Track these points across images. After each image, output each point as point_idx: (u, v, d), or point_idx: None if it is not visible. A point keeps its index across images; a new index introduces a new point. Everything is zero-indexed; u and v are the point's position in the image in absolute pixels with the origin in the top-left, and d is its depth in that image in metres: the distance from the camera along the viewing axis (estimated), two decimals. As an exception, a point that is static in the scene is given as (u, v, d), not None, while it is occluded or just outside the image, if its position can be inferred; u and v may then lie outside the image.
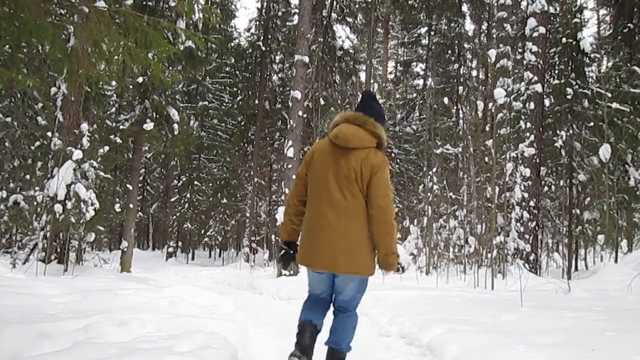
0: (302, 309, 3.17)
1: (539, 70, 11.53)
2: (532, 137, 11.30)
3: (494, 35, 16.75)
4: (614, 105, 10.31)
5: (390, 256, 2.99)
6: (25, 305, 4.69)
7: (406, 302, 6.39)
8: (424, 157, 17.11)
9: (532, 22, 11.62)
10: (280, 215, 12.98)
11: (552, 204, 13.76)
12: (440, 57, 23.39)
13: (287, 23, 24.01)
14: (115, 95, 18.04)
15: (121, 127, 15.57)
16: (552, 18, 13.74)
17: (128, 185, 15.34)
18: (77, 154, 9.74)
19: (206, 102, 24.97)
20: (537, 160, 11.42)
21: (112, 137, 14.71)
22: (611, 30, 14.77)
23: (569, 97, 11.49)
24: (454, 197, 13.76)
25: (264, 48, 23.06)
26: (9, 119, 13.18)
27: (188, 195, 24.91)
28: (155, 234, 39.62)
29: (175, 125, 14.67)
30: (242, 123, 25.78)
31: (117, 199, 16.87)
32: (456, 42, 22.96)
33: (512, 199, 11.46)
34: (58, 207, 9.45)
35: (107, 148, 11.34)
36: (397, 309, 5.71)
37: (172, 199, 25.49)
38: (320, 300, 3.19)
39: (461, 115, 19.66)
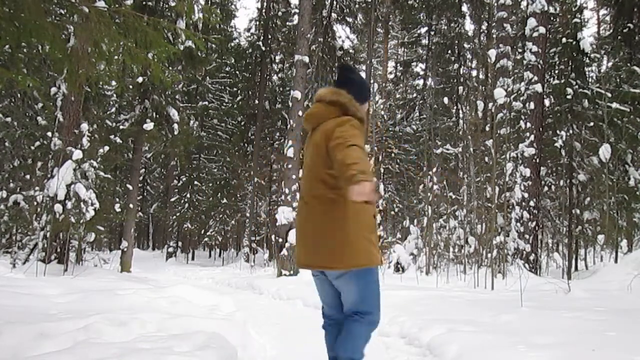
0: None
1: (539, 70, 11.53)
2: (532, 137, 11.30)
3: (494, 35, 16.75)
4: (614, 105, 10.30)
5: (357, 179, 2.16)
6: (25, 305, 4.69)
7: (406, 302, 6.38)
8: (424, 157, 17.12)
9: (532, 22, 11.63)
10: (280, 215, 12.97)
11: (552, 204, 13.76)
12: (440, 57, 23.41)
13: (287, 23, 24.04)
14: (115, 95, 18.04)
15: (121, 127, 15.60)
16: (552, 18, 13.75)
17: (128, 185, 15.34)
18: (77, 154, 9.74)
19: (206, 102, 24.98)
20: (537, 160, 11.42)
21: (112, 137, 14.73)
22: (611, 30, 14.76)
23: (569, 97, 11.48)
24: (454, 197, 13.76)
25: (264, 48, 23.07)
26: (9, 119, 13.18)
27: (188, 195, 24.91)
28: (155, 234, 39.61)
29: (175, 125, 14.69)
30: (242, 123, 25.81)
31: (117, 199, 16.87)
32: (456, 42, 22.98)
33: (512, 199, 11.45)
34: (58, 207, 9.45)
35: (107, 148, 11.35)
36: (397, 309, 5.71)
37: (172, 199, 25.49)
38: (324, 316, 2.83)
39: (461, 115, 19.68)
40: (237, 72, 25.93)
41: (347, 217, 2.46)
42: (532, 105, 11.41)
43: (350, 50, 21.72)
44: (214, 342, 3.40)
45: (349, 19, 21.26)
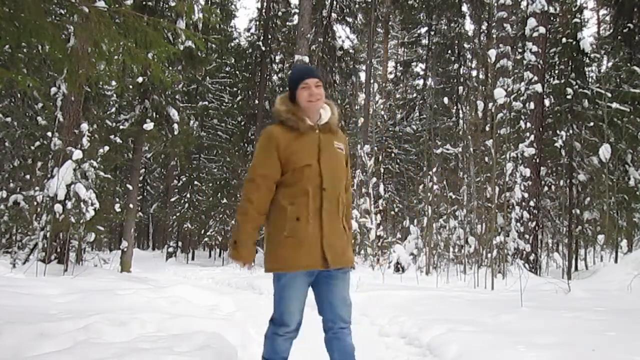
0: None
1: (539, 70, 11.53)
2: (532, 137, 11.30)
3: (494, 35, 16.76)
4: (614, 105, 10.30)
5: (231, 246, 2.61)
6: (25, 305, 4.69)
7: (406, 302, 6.38)
8: (424, 157, 17.12)
9: (532, 22, 11.63)
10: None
11: (552, 204, 13.76)
12: (440, 57, 23.41)
13: (287, 23, 24.05)
14: (115, 95, 18.04)
15: (121, 127, 15.58)
16: (552, 18, 13.75)
17: (128, 185, 15.33)
18: (77, 154, 9.74)
19: (206, 102, 24.97)
20: (537, 160, 11.41)
21: (112, 137, 14.72)
22: (611, 30, 14.76)
23: (569, 97, 11.48)
24: (454, 197, 13.76)
25: (264, 48, 23.08)
26: (9, 119, 13.18)
27: (188, 195, 24.90)
28: (155, 234, 39.60)
29: (175, 125, 14.68)
30: (242, 123, 25.80)
31: (117, 199, 16.87)
32: (456, 42, 22.99)
33: (512, 199, 11.45)
34: (58, 207, 9.45)
35: (107, 148, 11.34)
36: (397, 309, 5.71)
37: (172, 199, 25.48)
38: None
39: (461, 115, 19.67)
40: (237, 72, 25.92)
41: (269, 224, 2.59)
42: (532, 105, 11.41)
43: (350, 50, 21.71)
44: (214, 342, 3.40)
45: (349, 19, 21.27)
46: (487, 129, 14.61)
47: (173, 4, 13.38)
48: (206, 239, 25.44)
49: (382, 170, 21.08)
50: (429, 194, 12.99)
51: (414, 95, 26.92)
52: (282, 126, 2.57)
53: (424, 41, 25.33)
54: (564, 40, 12.01)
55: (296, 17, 18.47)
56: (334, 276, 2.60)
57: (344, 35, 22.14)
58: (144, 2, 13.30)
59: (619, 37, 12.95)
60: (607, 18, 21.40)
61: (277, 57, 25.27)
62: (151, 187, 35.78)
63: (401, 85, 28.33)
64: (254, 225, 2.53)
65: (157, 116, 14.35)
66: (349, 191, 2.74)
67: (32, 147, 13.14)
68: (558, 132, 11.70)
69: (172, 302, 5.21)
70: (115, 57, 4.35)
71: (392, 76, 30.55)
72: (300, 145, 2.52)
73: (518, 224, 11.13)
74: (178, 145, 15.71)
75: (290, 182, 2.52)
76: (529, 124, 11.40)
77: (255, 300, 8.38)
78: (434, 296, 6.86)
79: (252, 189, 2.53)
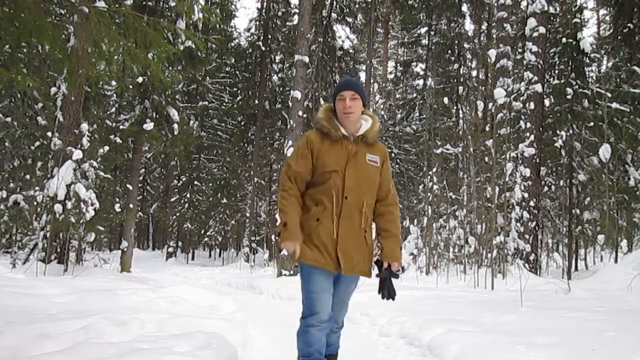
0: None
1: (539, 70, 11.53)
2: (532, 137, 11.30)
3: (494, 35, 16.75)
4: (614, 105, 10.30)
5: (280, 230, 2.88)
6: (25, 305, 4.69)
7: (406, 302, 6.38)
8: (424, 157, 17.10)
9: (532, 22, 11.63)
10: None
11: (552, 204, 13.76)
12: (440, 57, 23.37)
13: (287, 23, 24.04)
14: (115, 95, 18.05)
15: (121, 127, 15.59)
16: (552, 18, 13.74)
17: (128, 185, 15.34)
18: (77, 154, 9.74)
19: (206, 102, 24.99)
20: (537, 160, 11.41)
21: (112, 137, 14.72)
22: (611, 30, 14.77)
23: (569, 97, 11.48)
24: (454, 197, 13.76)
25: (264, 48, 23.08)
26: (9, 119, 13.19)
27: (188, 195, 24.92)
28: (155, 234, 39.61)
29: (175, 125, 14.69)
30: (242, 123, 25.82)
31: (117, 199, 16.88)
32: (456, 42, 22.94)
33: (512, 199, 11.45)
34: (58, 207, 9.45)
35: (107, 148, 11.35)
36: (397, 309, 5.71)
37: (172, 199, 25.49)
38: None
39: (461, 115, 19.65)
40: (237, 72, 25.93)
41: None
42: (532, 105, 11.41)
43: (350, 50, 21.71)
44: (214, 342, 3.40)
45: (349, 19, 21.25)
46: (487, 129, 14.60)
47: (173, 4, 13.38)
48: (206, 239, 25.47)
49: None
50: (429, 194, 12.99)
51: (414, 95, 26.88)
52: (318, 132, 2.80)
53: (424, 41, 25.30)
54: (564, 40, 12.00)
55: (296, 17, 18.45)
56: (340, 280, 2.75)
57: (344, 35, 22.14)
58: (144, 2, 13.31)
59: (619, 37, 12.95)
60: (607, 18, 21.38)
61: (277, 57, 25.27)
62: (151, 187, 35.78)
63: (401, 85, 28.30)
64: (296, 208, 2.70)
65: (157, 116, 14.36)
66: (390, 204, 2.92)
67: (32, 147, 13.15)
68: (558, 132, 11.70)
69: (172, 302, 5.21)
70: (115, 57, 4.36)
71: (392, 76, 30.54)
72: (332, 151, 2.72)
73: (518, 224, 11.12)
74: (178, 145, 15.72)
75: (318, 184, 2.72)
76: (529, 124, 11.39)
77: (255, 300, 8.38)
78: (434, 296, 6.87)
79: (285, 180, 2.74)
